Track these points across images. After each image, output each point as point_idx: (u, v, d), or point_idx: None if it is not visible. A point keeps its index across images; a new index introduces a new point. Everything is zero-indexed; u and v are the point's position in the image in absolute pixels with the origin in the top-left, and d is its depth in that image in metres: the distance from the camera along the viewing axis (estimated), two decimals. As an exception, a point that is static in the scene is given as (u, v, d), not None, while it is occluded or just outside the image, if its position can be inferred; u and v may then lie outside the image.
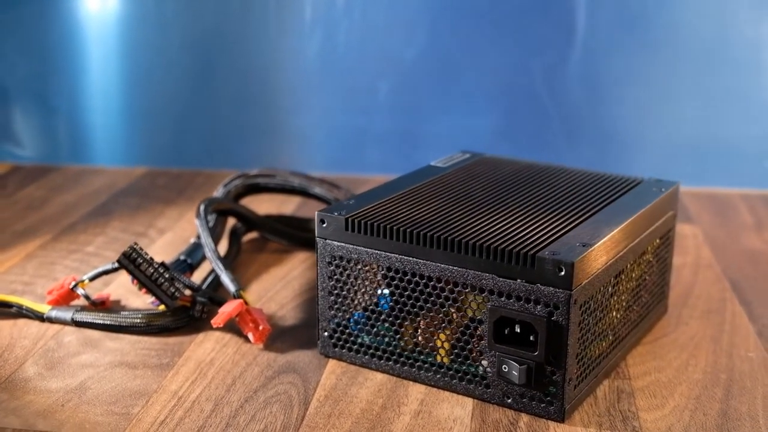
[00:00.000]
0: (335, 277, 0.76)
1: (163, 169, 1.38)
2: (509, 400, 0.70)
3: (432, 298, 0.72)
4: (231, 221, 1.03)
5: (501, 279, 0.68)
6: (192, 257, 0.93)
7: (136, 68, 1.35)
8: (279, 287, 0.93)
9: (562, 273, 0.65)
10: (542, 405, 0.69)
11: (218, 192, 1.04)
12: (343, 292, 0.76)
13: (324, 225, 0.75)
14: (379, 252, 0.73)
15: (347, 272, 0.75)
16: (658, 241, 0.81)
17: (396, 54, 1.31)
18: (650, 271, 0.81)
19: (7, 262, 0.99)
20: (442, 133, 1.32)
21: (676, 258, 1.02)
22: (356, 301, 0.75)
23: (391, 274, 0.73)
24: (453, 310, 0.71)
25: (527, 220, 0.73)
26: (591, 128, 1.30)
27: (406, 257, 0.72)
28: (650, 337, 0.83)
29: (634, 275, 0.77)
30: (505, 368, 0.69)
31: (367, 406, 0.71)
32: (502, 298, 0.68)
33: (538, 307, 0.66)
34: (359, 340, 0.76)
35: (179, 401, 0.71)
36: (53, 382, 0.74)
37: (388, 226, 0.72)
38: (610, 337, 0.75)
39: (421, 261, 0.71)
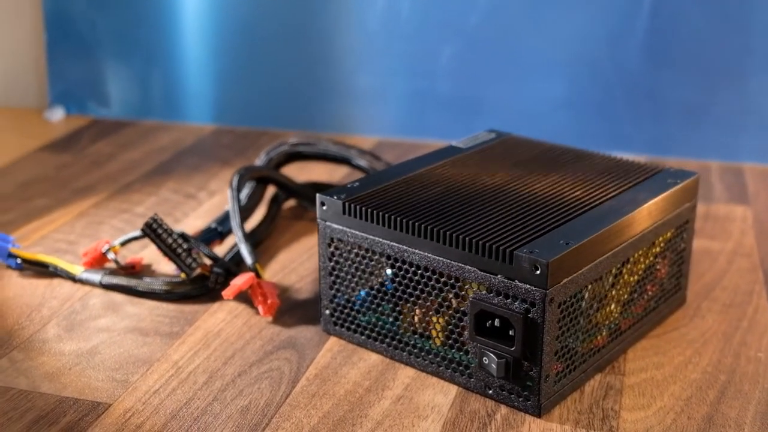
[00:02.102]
0: (334, 258, 0.77)
1: (231, 127, 1.41)
2: (490, 391, 0.71)
3: (420, 286, 0.73)
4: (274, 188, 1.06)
5: (482, 273, 0.68)
6: (223, 225, 0.96)
7: (211, 29, 1.38)
8: (304, 258, 0.96)
9: (538, 272, 0.65)
10: (520, 399, 0.69)
11: (260, 159, 1.06)
12: (342, 273, 0.77)
13: (324, 207, 0.77)
14: (373, 237, 0.74)
15: (345, 254, 0.77)
16: (671, 233, 0.79)
17: (459, 19, 1.30)
18: (660, 263, 0.79)
19: (60, 219, 1.05)
20: (503, 100, 1.31)
21: (715, 243, 0.99)
22: (354, 282, 0.77)
23: (383, 259, 0.74)
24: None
25: (521, 213, 0.73)
26: (654, 99, 1.26)
27: (396, 245, 0.73)
28: (659, 330, 0.81)
29: (637, 269, 0.76)
30: (485, 360, 0.69)
31: (352, 387, 0.73)
32: (483, 292, 0.68)
33: (516, 303, 0.67)
34: (357, 320, 0.78)
35: (177, 371, 0.75)
36: (68, 345, 0.79)
37: (379, 213, 0.73)
38: (605, 332, 0.74)
39: (410, 249, 0.72)
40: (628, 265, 0.75)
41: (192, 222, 1.05)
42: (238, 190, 0.94)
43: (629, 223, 0.73)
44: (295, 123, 1.39)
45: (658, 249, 0.78)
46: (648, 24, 1.23)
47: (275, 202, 1.05)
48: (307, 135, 1.35)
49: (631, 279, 0.76)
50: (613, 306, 0.74)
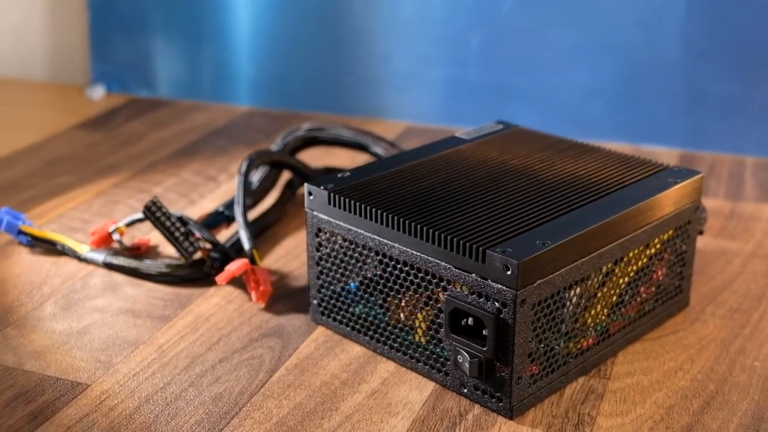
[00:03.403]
0: (321, 248, 0.77)
1: (265, 109, 1.42)
2: (465, 390, 0.70)
3: (400, 281, 0.72)
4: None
5: (457, 271, 0.67)
6: (230, 210, 0.96)
7: (249, 12, 1.38)
8: (309, 244, 0.95)
9: (509, 272, 0.63)
10: (493, 399, 0.68)
11: (276, 144, 1.06)
12: (328, 264, 0.77)
13: (311, 197, 0.76)
14: (356, 229, 0.73)
15: (331, 245, 0.76)
16: (669, 233, 0.77)
17: (491, 5, 1.27)
18: (657, 264, 0.77)
19: (79, 197, 1.07)
20: (534, 88, 1.28)
21: (734, 244, 0.95)
22: (339, 273, 0.76)
23: (365, 252, 0.73)
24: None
25: (505, 209, 0.71)
26: (690, 91, 1.22)
27: (378, 237, 0.72)
28: (656, 334, 0.79)
29: (628, 270, 0.74)
30: (460, 359, 0.68)
31: (329, 379, 0.72)
32: (458, 290, 0.67)
33: (489, 303, 0.65)
34: (342, 311, 0.77)
35: (160, 355, 0.75)
36: (61, 324, 0.80)
37: (361, 205, 0.72)
38: (591, 335, 0.72)
39: (390, 243, 0.71)
40: (618, 266, 0.73)
41: (207, 204, 1.06)
42: (247, 175, 0.94)
43: (618, 223, 0.71)
44: (326, 106, 1.39)
45: (653, 250, 0.76)
46: (685, 11, 1.19)
47: (289, 187, 1.05)
48: (339, 119, 1.35)
49: (621, 281, 0.74)
50: (599, 308, 0.72)
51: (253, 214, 0.99)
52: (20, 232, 0.93)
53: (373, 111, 1.37)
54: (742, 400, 0.70)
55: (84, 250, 0.91)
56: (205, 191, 1.10)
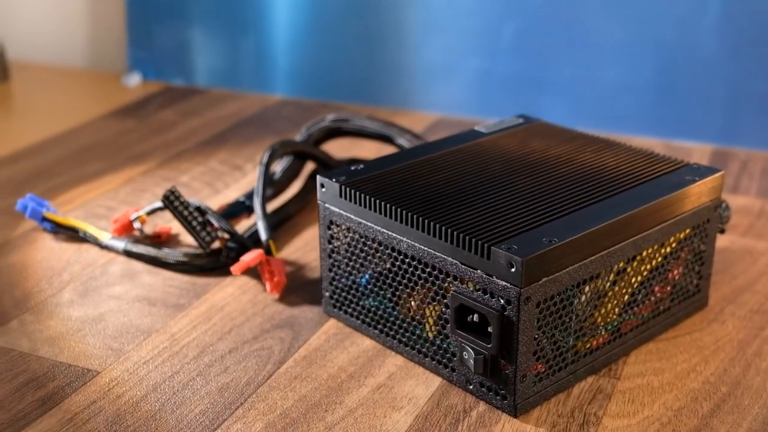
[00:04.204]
0: (333, 241, 0.77)
1: (296, 99, 1.42)
2: (471, 387, 0.69)
3: (408, 275, 0.71)
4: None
5: (463, 267, 0.66)
6: (251, 200, 0.96)
7: (283, 2, 1.39)
8: (329, 236, 0.95)
9: (513, 269, 0.63)
10: (498, 397, 0.67)
11: (301, 135, 1.06)
12: (339, 257, 0.77)
13: (323, 189, 0.76)
14: (366, 222, 0.73)
15: (342, 238, 0.76)
16: (685, 232, 0.75)
17: (524, -4, 1.26)
18: (673, 263, 0.76)
19: (106, 185, 1.08)
20: (566, 80, 1.27)
21: (761, 243, 0.93)
22: (350, 266, 0.76)
23: (375, 245, 0.73)
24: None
25: (516, 206, 0.70)
26: (723, 86, 1.19)
27: (387, 231, 0.71)
28: (671, 334, 0.78)
29: (642, 269, 0.73)
30: (465, 355, 0.68)
31: (336, 372, 0.72)
32: (464, 286, 0.67)
33: (493, 300, 0.65)
34: (353, 304, 0.77)
35: (171, 344, 0.76)
36: (77, 311, 0.81)
37: (370, 199, 0.72)
38: (601, 333, 0.71)
39: (398, 237, 0.71)
40: (631, 265, 0.71)
41: (231, 193, 1.06)
42: (268, 165, 0.94)
43: (630, 221, 0.69)
44: (358, 97, 1.39)
45: (668, 249, 0.74)
46: (722, 7, 1.16)
47: (313, 178, 1.05)
48: (370, 110, 1.35)
49: (634, 279, 0.72)
50: (610, 306, 0.71)
51: (274, 205, 0.99)
52: (44, 219, 0.94)
53: (403, 102, 1.36)
54: (754, 404, 0.68)
55: (105, 237, 0.92)
56: (230, 180, 1.10)
